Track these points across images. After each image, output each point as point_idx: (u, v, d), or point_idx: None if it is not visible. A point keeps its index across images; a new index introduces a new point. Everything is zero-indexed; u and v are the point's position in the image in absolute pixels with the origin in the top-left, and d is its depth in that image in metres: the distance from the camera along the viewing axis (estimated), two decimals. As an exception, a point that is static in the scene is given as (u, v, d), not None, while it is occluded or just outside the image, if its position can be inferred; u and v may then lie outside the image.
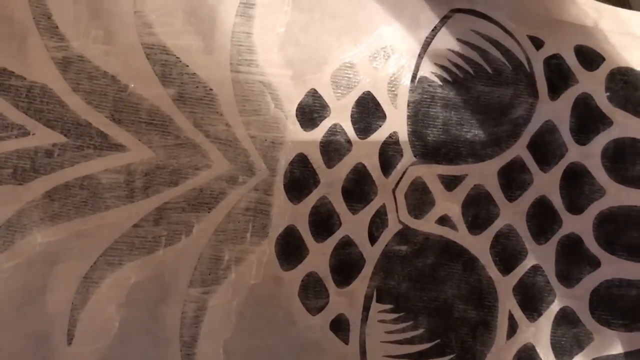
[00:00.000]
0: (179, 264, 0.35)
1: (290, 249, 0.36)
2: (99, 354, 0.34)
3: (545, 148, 0.38)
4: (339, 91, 0.37)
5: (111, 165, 0.35)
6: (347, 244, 0.36)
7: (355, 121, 0.37)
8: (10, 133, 0.35)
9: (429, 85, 0.38)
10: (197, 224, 0.35)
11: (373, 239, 0.36)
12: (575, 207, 0.37)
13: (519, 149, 0.38)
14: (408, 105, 0.37)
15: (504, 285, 0.37)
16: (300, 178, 0.36)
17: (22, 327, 0.34)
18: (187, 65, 0.36)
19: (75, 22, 0.36)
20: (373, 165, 0.37)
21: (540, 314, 0.37)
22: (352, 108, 0.37)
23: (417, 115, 0.37)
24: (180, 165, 0.35)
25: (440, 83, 0.38)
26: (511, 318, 0.37)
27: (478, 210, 0.37)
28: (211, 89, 0.36)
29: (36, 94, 0.35)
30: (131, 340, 0.34)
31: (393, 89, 0.37)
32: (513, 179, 0.37)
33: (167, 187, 0.35)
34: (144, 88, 0.36)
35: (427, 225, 0.37)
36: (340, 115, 0.37)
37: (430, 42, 0.38)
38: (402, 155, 0.37)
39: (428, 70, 0.37)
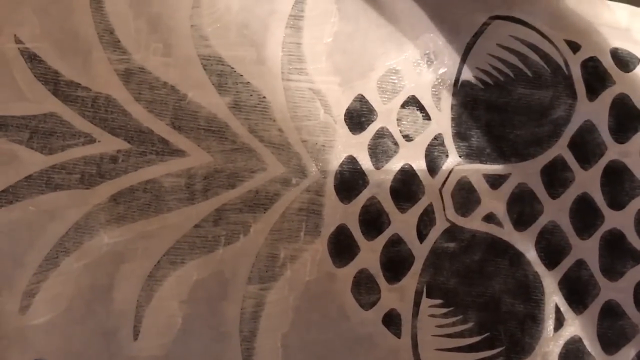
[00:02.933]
0: (237, 262, 0.37)
1: (342, 247, 0.37)
2: (164, 348, 0.36)
3: (585, 147, 0.39)
4: (385, 96, 0.39)
5: (172, 170, 0.37)
6: (396, 241, 0.38)
7: (400, 124, 0.38)
8: (77, 141, 0.37)
9: (472, 89, 0.39)
10: (254, 224, 0.37)
11: (422, 236, 0.38)
12: (617, 203, 0.38)
13: (560, 148, 0.39)
14: (452, 108, 0.39)
15: (550, 280, 0.38)
16: (350, 179, 0.38)
17: (92, 323, 0.36)
18: (242, 75, 0.38)
19: (135, 36, 0.38)
20: (420, 166, 0.38)
21: (585, 307, 0.38)
22: (398, 112, 0.39)
23: (461, 118, 0.39)
24: (237, 168, 0.37)
25: (482, 86, 0.39)
26: (558, 311, 0.38)
27: (522, 208, 0.38)
28: (264, 97, 0.38)
29: (101, 104, 0.37)
30: (193, 335, 0.36)
31: (437, 92, 0.39)
32: (555, 177, 0.39)
33: (225, 190, 0.37)
34: (201, 97, 0.38)
35: (473, 222, 0.38)
36: (386, 118, 0.39)
37: (472, 47, 0.39)
38: (447, 156, 0.38)
39: (470, 74, 0.39)
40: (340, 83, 0.38)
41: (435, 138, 0.39)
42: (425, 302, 0.37)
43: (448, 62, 0.39)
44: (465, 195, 0.38)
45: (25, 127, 0.37)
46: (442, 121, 0.39)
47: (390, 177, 0.38)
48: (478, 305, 0.38)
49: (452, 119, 0.39)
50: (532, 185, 0.39)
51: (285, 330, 0.36)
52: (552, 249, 0.38)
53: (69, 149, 0.37)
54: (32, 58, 0.37)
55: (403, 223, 0.38)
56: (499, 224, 0.38)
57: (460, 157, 0.39)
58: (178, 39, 0.38)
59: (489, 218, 0.38)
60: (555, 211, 0.38)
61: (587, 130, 0.39)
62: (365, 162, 0.38)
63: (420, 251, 0.38)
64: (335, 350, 0.36)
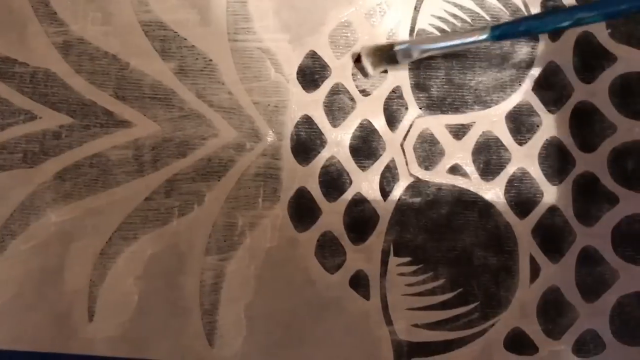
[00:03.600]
0: (193, 233, 0.35)
1: (303, 210, 0.36)
2: (121, 328, 0.34)
3: (551, 89, 0.37)
4: (338, 51, 0.37)
5: (119, 142, 0.35)
6: (359, 201, 0.36)
7: (356, 79, 0.37)
8: (17, 118, 0.35)
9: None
10: (208, 192, 0.35)
11: (385, 194, 0.36)
12: (587, 146, 0.37)
13: (525, 93, 0.37)
14: (408, 59, 0.37)
15: (522, 229, 0.36)
16: (307, 140, 0.36)
17: (44, 307, 0.34)
18: (185, 39, 0.36)
19: (72, 6, 0.36)
20: (379, 121, 0.37)
21: (562, 255, 0.36)
22: (352, 67, 0.37)
23: (419, 68, 0.37)
24: (187, 136, 0.36)
25: (439, 34, 0.37)
26: (533, 261, 0.36)
27: (489, 157, 0.37)
28: (211, 60, 0.36)
29: (40, 79, 0.35)
30: (151, 312, 0.34)
31: (392, 44, 0.37)
32: (521, 123, 0.37)
33: (176, 159, 0.35)
34: (144, 64, 0.36)
35: (438, 175, 0.36)
36: (341, 74, 0.37)
37: (425, -6, 0.38)
38: (407, 109, 0.37)
39: (425, 22, 0.37)
40: (289, 40, 0.37)
41: (393, 91, 0.37)
42: (393, 260, 0.36)
43: (402, 11, 0.38)
44: (428, 148, 0.37)
45: (-39, 108, 0.35)
46: (399, 73, 0.37)
47: (349, 134, 0.37)
48: (448, 261, 0.36)
49: (410, 70, 0.37)
50: (498, 132, 0.37)
51: (248, 300, 0.35)
52: (522, 198, 0.37)
53: (9, 127, 0.35)
54: (-37, 36, 0.35)
55: (365, 181, 0.36)
56: (465, 175, 0.37)
57: (420, 108, 0.37)
58: (117, 6, 0.36)
59: (455, 169, 0.37)
60: (523, 158, 0.37)
61: (552, 72, 0.38)
62: (322, 121, 0.36)
63: (385, 209, 0.36)
64: (303, 317, 0.35)
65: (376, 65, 0.36)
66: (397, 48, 0.35)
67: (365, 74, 0.36)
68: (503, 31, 0.31)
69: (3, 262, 0.34)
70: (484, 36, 0.32)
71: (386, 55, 0.35)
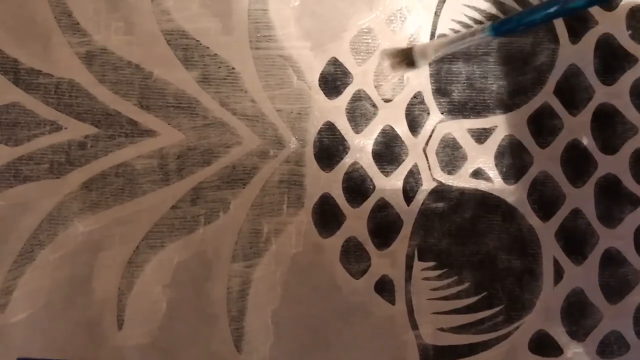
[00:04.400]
0: (219, 240, 0.35)
1: (327, 216, 0.36)
2: (150, 335, 0.35)
3: (572, 92, 0.38)
4: (359, 57, 0.37)
5: (144, 151, 0.36)
6: (382, 206, 0.36)
7: (378, 85, 0.37)
8: (43, 129, 0.35)
9: (449, 42, 0.37)
10: (233, 200, 0.36)
11: (408, 199, 0.36)
12: (609, 148, 0.37)
13: (546, 95, 0.37)
14: (429, 64, 0.37)
15: (546, 232, 0.36)
16: (329, 146, 0.36)
17: (73, 315, 0.35)
18: (208, 47, 0.37)
19: (95, 16, 0.36)
20: (401, 127, 0.37)
21: (585, 257, 0.36)
22: (374, 72, 0.37)
23: (440, 73, 0.37)
24: (211, 144, 0.36)
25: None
26: (556, 264, 0.36)
27: (511, 160, 0.37)
28: (233, 68, 0.36)
29: (64, 89, 0.36)
30: (180, 319, 0.35)
31: (413, 49, 0.37)
32: (543, 126, 0.37)
33: (201, 167, 0.36)
34: (168, 73, 0.36)
35: (461, 180, 0.37)
36: (362, 80, 0.37)
37: (445, -1, 0.38)
38: (428, 114, 0.37)
39: (446, 27, 0.38)
40: (311, 47, 0.37)
41: (414, 96, 0.37)
42: (418, 265, 0.36)
43: (422, 17, 0.38)
44: (450, 153, 0.37)
45: (-13, 120, 0.35)
46: (420, 78, 0.37)
47: (372, 140, 0.37)
48: (473, 265, 0.36)
49: (431, 75, 0.37)
50: (520, 136, 0.37)
51: (275, 306, 0.35)
52: (545, 200, 0.37)
53: (35, 138, 0.35)
54: (-12, 48, 0.36)
55: (388, 187, 0.36)
56: (488, 179, 0.37)
57: (442, 113, 0.37)
58: (139, 15, 0.37)
59: (477, 174, 0.37)
60: (546, 161, 0.37)
61: (573, 75, 0.38)
62: (344, 127, 0.37)
63: (409, 214, 0.36)
64: (329, 322, 0.35)
65: (395, 67, 0.36)
66: (415, 48, 0.35)
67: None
68: (501, 27, 0.31)
69: (32, 272, 0.34)
70: (487, 33, 0.32)
71: (405, 57, 0.35)
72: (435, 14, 0.38)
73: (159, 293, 0.35)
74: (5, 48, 0.36)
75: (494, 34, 0.31)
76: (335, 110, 0.37)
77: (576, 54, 0.38)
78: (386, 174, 0.37)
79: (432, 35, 0.38)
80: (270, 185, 0.36)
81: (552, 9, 0.29)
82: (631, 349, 0.36)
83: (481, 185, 0.37)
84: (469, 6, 0.38)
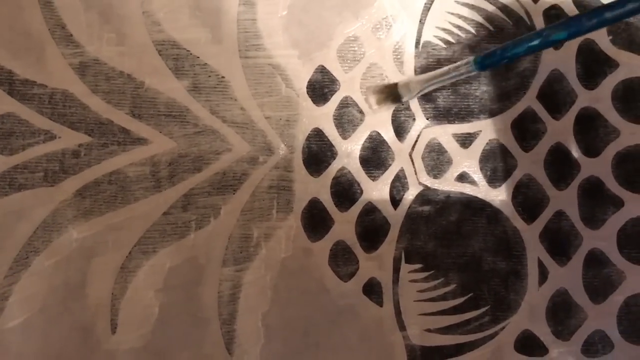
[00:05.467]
0: (210, 245, 0.36)
1: (315, 221, 0.37)
2: (143, 339, 0.35)
3: (555, 96, 0.38)
4: (346, 65, 0.38)
5: (136, 159, 0.36)
6: (370, 210, 0.37)
7: (364, 92, 0.38)
8: (37, 139, 0.36)
9: (433, 49, 0.38)
10: (223, 205, 0.36)
11: (395, 202, 0.37)
12: (592, 151, 0.38)
13: (529, 100, 0.38)
14: (415, 71, 0.38)
15: (530, 234, 0.37)
16: (318, 152, 0.37)
17: (68, 320, 0.35)
18: (198, 57, 0.38)
19: (88, 28, 0.37)
20: (387, 132, 0.38)
21: (569, 258, 0.37)
22: (361, 79, 0.38)
23: (425, 79, 0.38)
24: (202, 151, 0.37)
25: (444, 45, 0.38)
26: (541, 265, 0.37)
27: (496, 164, 0.38)
28: (223, 77, 0.37)
29: (58, 99, 0.37)
30: (172, 323, 0.35)
31: (399, 56, 0.38)
32: (527, 130, 0.38)
33: (192, 174, 0.37)
34: (159, 83, 0.37)
35: (447, 184, 0.37)
36: (349, 87, 0.38)
37: (430, 7, 0.39)
38: (414, 120, 0.38)
39: (430, 34, 0.38)
40: (299, 55, 0.38)
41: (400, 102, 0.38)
42: (405, 267, 0.37)
43: (407, 25, 0.39)
44: (436, 157, 0.38)
45: (-17, 130, 0.36)
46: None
47: (359, 146, 0.38)
48: (459, 266, 0.37)
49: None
50: (504, 140, 0.38)
51: (265, 309, 0.36)
52: (529, 203, 0.38)
53: (29, 147, 0.36)
54: (-16, 60, 0.37)
55: (375, 191, 0.37)
56: (473, 182, 0.38)
57: (427, 119, 0.38)
58: (131, 27, 0.37)
59: (463, 177, 0.38)
60: (530, 164, 0.38)
61: (555, 80, 0.39)
62: (332, 134, 0.37)
63: (395, 217, 0.37)
64: (318, 324, 0.36)
65: (381, 102, 0.37)
66: (400, 84, 0.36)
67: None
68: (485, 61, 0.32)
69: (28, 278, 0.35)
70: (471, 68, 0.33)
71: (390, 93, 0.36)
72: (420, 21, 0.39)
73: (151, 298, 0.36)
74: (0, 60, 0.37)
75: (478, 68, 0.32)
76: (323, 117, 0.38)
77: (558, 60, 0.39)
78: (373, 178, 0.37)
79: (418, 43, 0.39)
80: (260, 191, 0.37)
81: (535, 42, 0.29)
82: (615, 347, 0.37)
83: (466, 188, 0.38)
84: (453, 14, 0.39)
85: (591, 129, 0.38)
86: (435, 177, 0.38)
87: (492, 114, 0.38)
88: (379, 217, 0.37)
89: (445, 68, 0.34)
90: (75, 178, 0.36)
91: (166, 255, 0.36)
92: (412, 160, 0.38)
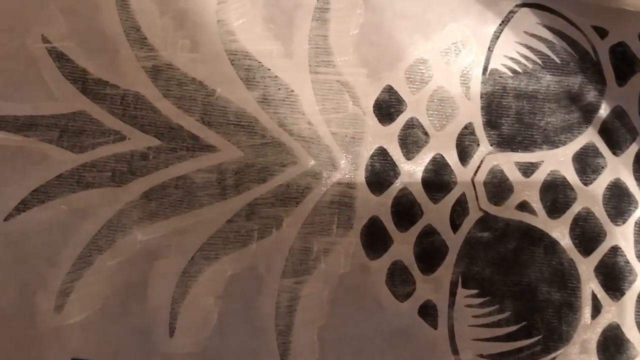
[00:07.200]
0: (271, 256, 0.36)
1: (375, 239, 0.37)
2: (200, 345, 0.36)
3: (616, 132, 0.39)
4: (414, 86, 0.39)
5: (203, 165, 0.37)
6: (429, 232, 0.37)
7: (430, 114, 0.38)
8: (107, 138, 0.37)
9: (500, 77, 0.39)
10: (286, 217, 0.37)
11: (455, 226, 0.38)
12: (651, 189, 0.38)
13: (591, 135, 0.39)
14: (481, 97, 0.39)
15: (585, 267, 0.38)
16: (381, 171, 0.38)
17: (127, 321, 0.36)
18: (269, 69, 0.38)
19: (162, 32, 0.38)
20: (451, 156, 0.38)
21: (622, 294, 0.37)
22: (427, 101, 0.38)
23: (491, 106, 0.39)
24: (268, 162, 0.37)
25: (511, 74, 0.39)
26: (594, 298, 0.37)
27: (556, 195, 0.38)
28: (292, 90, 0.38)
29: (130, 101, 0.37)
30: (229, 331, 0.36)
31: (465, 81, 0.39)
32: (587, 164, 0.38)
33: (257, 184, 0.37)
34: (230, 92, 0.38)
35: (507, 211, 0.38)
36: (416, 109, 0.38)
37: (499, 35, 0.39)
38: (478, 145, 0.38)
39: (498, 62, 0.39)
40: (367, 74, 0.38)
41: (465, 127, 0.38)
42: (461, 292, 0.37)
43: (476, 51, 0.39)
44: (497, 184, 0.38)
45: (54, 126, 0.36)
46: (471, 110, 0.38)
47: (422, 167, 0.38)
48: (514, 294, 0.37)
49: (482, 108, 0.39)
50: (565, 172, 0.38)
51: (321, 323, 0.36)
52: (586, 236, 0.38)
53: (99, 147, 0.37)
54: (59, 57, 0.37)
55: (436, 213, 0.38)
56: (532, 212, 0.38)
57: (491, 145, 0.38)
58: (205, 34, 0.38)
59: (523, 206, 0.38)
60: (589, 198, 0.38)
61: (618, 116, 0.39)
62: (396, 153, 0.38)
63: (454, 241, 0.37)
64: (372, 343, 0.36)
65: None
66: None
67: None
68: None
69: (90, 277, 0.36)
70: None
71: None
72: (488, 49, 0.39)
73: (211, 304, 0.36)
74: (75, 58, 0.37)
75: None
76: (388, 137, 0.38)
77: (622, 96, 0.39)
78: (435, 200, 0.38)
79: (485, 70, 0.39)
80: (321, 205, 0.37)
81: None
82: (664, 385, 0.37)
83: (526, 217, 0.38)
84: (521, 44, 0.39)
85: (651, 167, 0.39)
86: (496, 204, 0.38)
87: (554, 145, 0.39)
88: (438, 239, 0.38)
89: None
90: (143, 180, 0.37)
91: (228, 262, 0.36)
92: (474, 186, 0.38)
